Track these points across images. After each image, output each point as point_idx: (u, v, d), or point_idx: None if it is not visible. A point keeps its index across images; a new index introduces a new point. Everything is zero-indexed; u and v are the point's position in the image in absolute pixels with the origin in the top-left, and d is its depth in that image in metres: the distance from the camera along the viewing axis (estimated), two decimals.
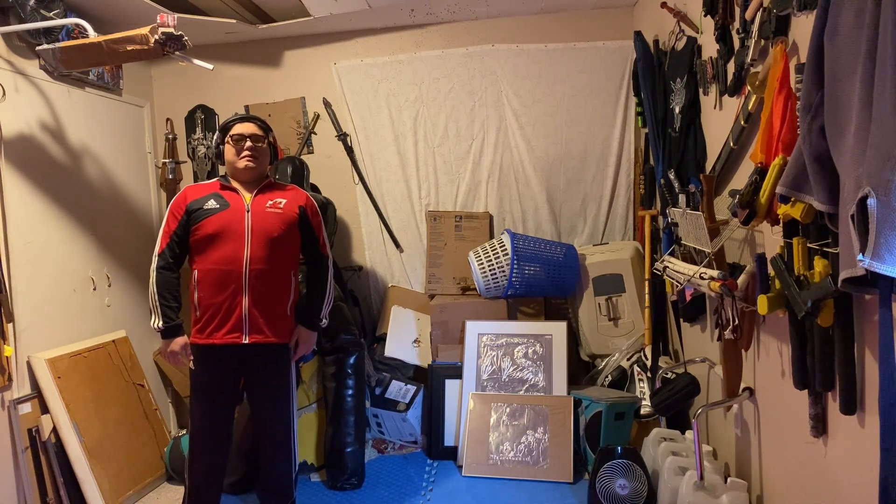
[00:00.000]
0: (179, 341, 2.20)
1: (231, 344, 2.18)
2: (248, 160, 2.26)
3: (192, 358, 2.23)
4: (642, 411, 2.77)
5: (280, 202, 2.29)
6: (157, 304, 2.18)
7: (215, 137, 2.34)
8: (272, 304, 2.23)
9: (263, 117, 3.64)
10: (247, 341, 2.19)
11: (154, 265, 2.21)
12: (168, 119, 3.69)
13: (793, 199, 1.47)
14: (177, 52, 2.30)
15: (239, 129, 2.28)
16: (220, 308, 2.18)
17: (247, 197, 2.26)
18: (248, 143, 2.25)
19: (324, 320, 2.38)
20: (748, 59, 1.89)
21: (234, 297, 2.17)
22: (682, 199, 2.43)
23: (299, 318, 2.36)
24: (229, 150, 2.27)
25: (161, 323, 2.18)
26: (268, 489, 2.39)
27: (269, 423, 2.34)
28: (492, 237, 3.56)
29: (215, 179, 2.33)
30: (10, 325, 2.43)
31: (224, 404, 2.28)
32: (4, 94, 2.48)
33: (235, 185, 2.29)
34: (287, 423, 2.34)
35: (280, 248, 2.24)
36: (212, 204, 2.22)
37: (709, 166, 2.40)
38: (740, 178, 2.06)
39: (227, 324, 2.18)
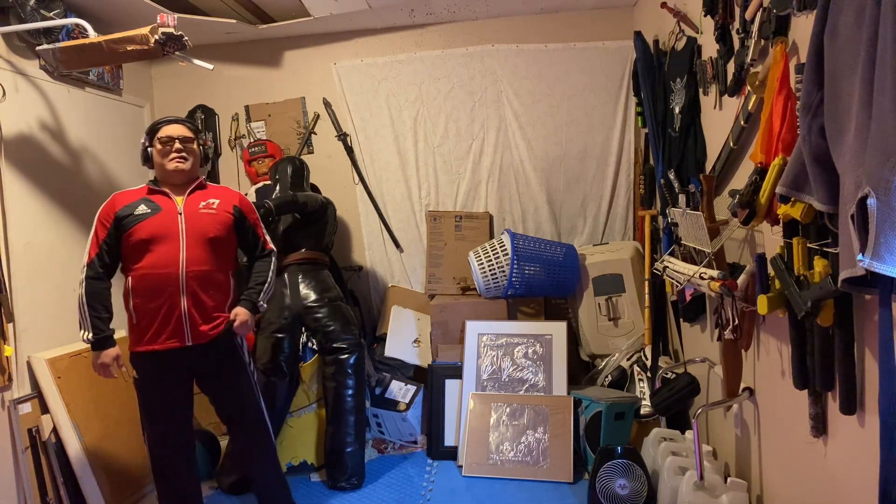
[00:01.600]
0: (111, 353, 2.14)
1: (173, 348, 2.14)
2: (178, 161, 2.21)
3: (124, 368, 2.18)
4: (642, 411, 2.77)
5: (213, 203, 2.25)
6: (87, 315, 2.11)
7: (142, 140, 2.27)
8: (211, 305, 2.19)
9: (263, 117, 3.72)
10: (189, 343, 2.15)
11: (83, 275, 2.13)
12: None
13: (793, 199, 1.47)
14: (177, 52, 2.30)
15: (167, 130, 2.23)
16: (158, 312, 2.12)
17: (178, 199, 2.22)
18: (177, 145, 2.21)
19: (261, 304, 2.31)
20: (748, 59, 1.89)
21: (172, 300, 2.12)
22: (682, 199, 2.43)
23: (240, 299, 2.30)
24: (157, 153, 2.23)
25: (91, 335, 2.11)
26: (262, 480, 2.39)
27: (238, 417, 2.32)
28: (492, 237, 3.56)
29: (144, 185, 2.27)
30: (10, 325, 2.43)
31: (177, 409, 2.24)
32: (4, 94, 2.48)
33: (165, 188, 2.24)
34: (258, 410, 2.31)
35: (217, 248, 2.21)
36: (142, 209, 2.16)
37: (709, 166, 2.39)
38: (740, 178, 2.06)
39: (166, 328, 2.13)
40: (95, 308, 2.12)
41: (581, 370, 3.34)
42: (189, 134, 2.26)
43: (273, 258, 2.40)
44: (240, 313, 2.25)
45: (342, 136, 3.64)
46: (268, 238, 2.41)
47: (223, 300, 2.25)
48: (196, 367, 2.23)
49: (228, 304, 2.27)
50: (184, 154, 2.23)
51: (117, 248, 2.17)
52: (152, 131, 2.25)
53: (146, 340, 2.14)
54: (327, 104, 3.64)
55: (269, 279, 2.34)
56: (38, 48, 2.53)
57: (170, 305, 2.13)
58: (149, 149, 2.25)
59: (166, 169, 2.22)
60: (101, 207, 2.20)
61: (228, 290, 2.27)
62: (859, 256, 1.07)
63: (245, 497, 2.75)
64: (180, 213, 2.19)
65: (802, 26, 1.62)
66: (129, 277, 2.16)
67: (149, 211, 2.16)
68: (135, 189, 2.27)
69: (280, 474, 2.45)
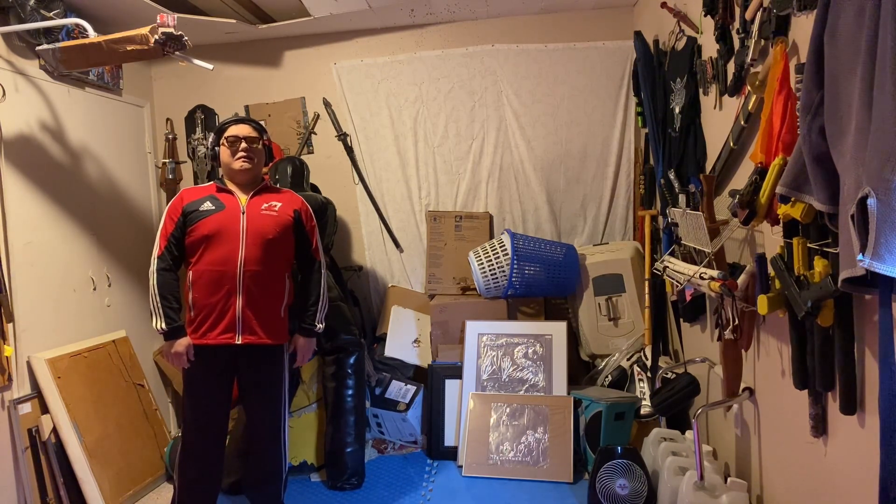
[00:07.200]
0: (183, 342, 2.20)
1: (224, 344, 2.20)
2: (244, 161, 2.28)
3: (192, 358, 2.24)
4: (642, 411, 2.77)
5: (275, 205, 2.31)
6: (160, 305, 2.19)
7: (211, 139, 2.36)
8: (266, 305, 2.25)
9: (263, 117, 3.71)
10: (240, 342, 2.20)
11: (154, 267, 2.22)
12: (168, 119, 3.69)
13: (793, 199, 1.47)
14: (177, 52, 2.30)
15: (234, 130, 2.30)
16: (214, 308, 2.19)
17: (242, 199, 2.28)
18: (244, 145, 2.28)
19: (319, 325, 2.38)
20: (748, 59, 1.89)
21: (228, 298, 2.19)
22: (682, 199, 2.43)
23: (295, 326, 2.37)
24: (225, 152, 2.30)
25: (164, 324, 2.18)
26: (257, 490, 2.39)
27: (259, 424, 2.35)
28: (492, 237, 3.56)
29: (212, 182, 2.36)
30: (10, 325, 2.43)
31: (217, 404, 2.29)
32: (4, 94, 2.48)
33: (232, 187, 2.32)
34: (278, 424, 2.34)
35: (274, 249, 2.26)
36: (207, 206, 2.24)
37: (709, 166, 2.39)
38: (740, 178, 2.06)
39: (220, 324, 2.19)
40: (167, 298, 2.20)
41: (581, 370, 3.34)
42: (254, 134, 2.33)
43: (323, 271, 2.42)
44: (300, 348, 2.36)
45: (342, 136, 3.64)
46: (320, 248, 2.44)
47: (278, 302, 2.29)
48: (241, 365, 2.27)
49: (283, 306, 2.31)
50: (250, 154, 2.29)
51: (183, 241, 2.24)
52: (220, 131, 2.32)
53: (201, 334, 2.21)
54: (327, 104, 3.64)
55: (321, 298, 2.39)
56: (38, 48, 2.53)
57: (226, 302, 2.19)
58: (217, 148, 2.33)
59: (233, 168, 2.29)
60: (170, 202, 2.29)
61: (283, 292, 2.31)
62: (859, 256, 1.07)
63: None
64: (243, 213, 2.24)
65: (802, 26, 1.62)
66: (190, 272, 2.24)
67: (213, 208, 2.24)
68: (203, 186, 2.37)
69: (277, 489, 2.40)
